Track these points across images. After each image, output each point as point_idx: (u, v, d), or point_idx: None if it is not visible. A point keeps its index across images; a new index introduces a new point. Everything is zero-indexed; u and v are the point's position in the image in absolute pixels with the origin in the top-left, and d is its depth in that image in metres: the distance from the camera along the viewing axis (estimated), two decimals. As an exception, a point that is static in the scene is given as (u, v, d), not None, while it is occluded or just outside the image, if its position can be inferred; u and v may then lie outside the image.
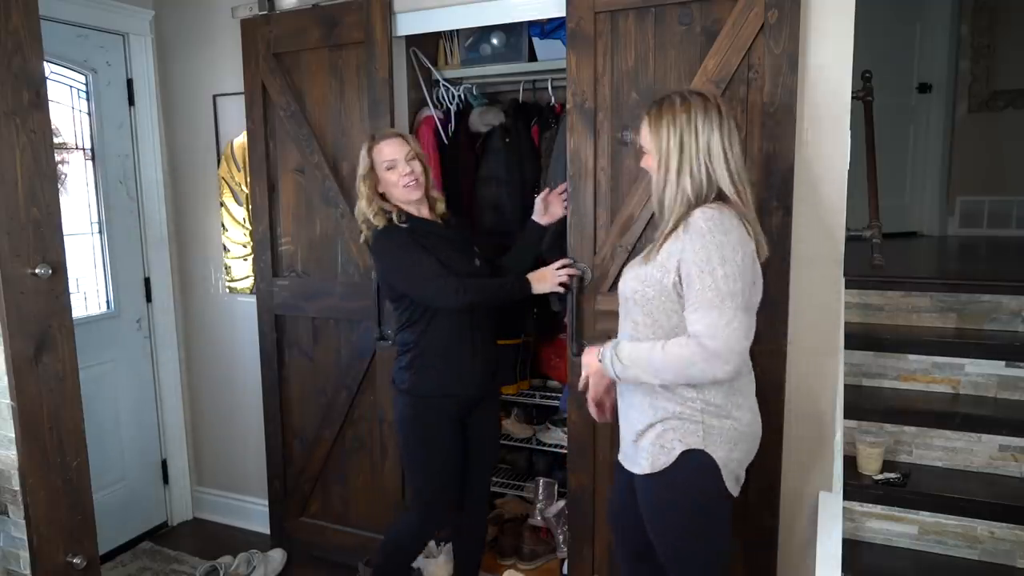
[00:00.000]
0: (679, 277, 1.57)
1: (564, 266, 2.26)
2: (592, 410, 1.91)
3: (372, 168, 2.20)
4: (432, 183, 2.31)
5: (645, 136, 1.68)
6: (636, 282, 1.66)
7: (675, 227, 1.59)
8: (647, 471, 1.67)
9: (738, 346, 1.52)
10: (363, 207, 2.20)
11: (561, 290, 2.26)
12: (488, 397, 2.38)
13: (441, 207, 2.32)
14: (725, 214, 1.56)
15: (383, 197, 2.22)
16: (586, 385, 1.84)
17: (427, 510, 2.30)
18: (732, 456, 1.66)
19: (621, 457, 1.81)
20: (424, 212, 2.26)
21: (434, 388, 2.22)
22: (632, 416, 1.73)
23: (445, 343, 2.21)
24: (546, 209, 2.36)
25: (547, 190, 2.39)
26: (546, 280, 2.23)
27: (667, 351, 1.56)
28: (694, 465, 1.63)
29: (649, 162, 1.68)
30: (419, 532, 2.33)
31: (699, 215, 1.55)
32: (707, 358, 1.51)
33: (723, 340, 1.50)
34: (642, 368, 1.61)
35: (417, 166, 2.20)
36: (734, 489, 1.69)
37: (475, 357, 2.25)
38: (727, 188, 1.60)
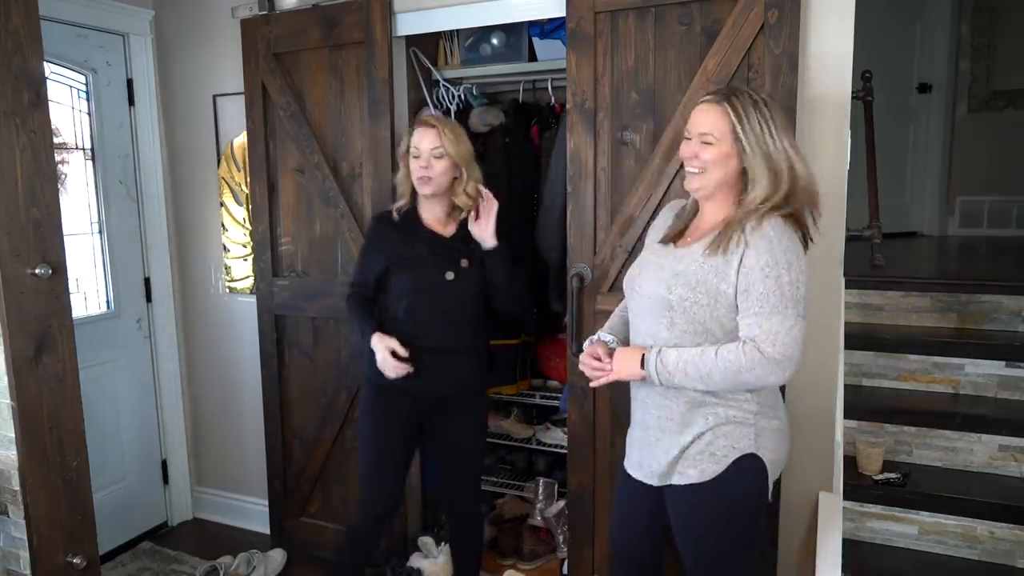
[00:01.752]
0: (738, 282, 1.53)
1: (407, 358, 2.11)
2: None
3: (407, 151, 2.19)
4: (465, 186, 2.19)
5: (721, 125, 1.55)
6: (685, 289, 1.57)
7: (736, 233, 1.53)
8: (694, 481, 1.62)
9: (796, 353, 1.49)
10: (400, 178, 2.25)
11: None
12: (461, 401, 2.27)
13: (462, 215, 2.21)
14: (789, 226, 1.54)
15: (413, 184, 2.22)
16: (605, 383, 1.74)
17: (362, 513, 2.27)
18: (778, 457, 1.66)
19: (643, 476, 1.73)
20: (436, 215, 2.21)
21: (380, 378, 2.16)
22: (673, 429, 1.65)
23: (406, 336, 2.14)
24: (482, 231, 2.18)
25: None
26: (385, 364, 2.11)
27: (720, 357, 1.51)
28: (744, 470, 1.61)
29: (716, 154, 1.56)
30: (350, 531, 2.31)
31: (768, 225, 1.51)
32: (765, 364, 1.49)
33: (782, 346, 1.47)
34: (690, 375, 1.55)
35: (440, 164, 2.13)
36: (770, 493, 1.67)
37: (427, 360, 2.14)
38: (805, 195, 1.55)
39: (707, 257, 1.56)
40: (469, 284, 2.19)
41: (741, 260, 1.51)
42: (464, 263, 2.19)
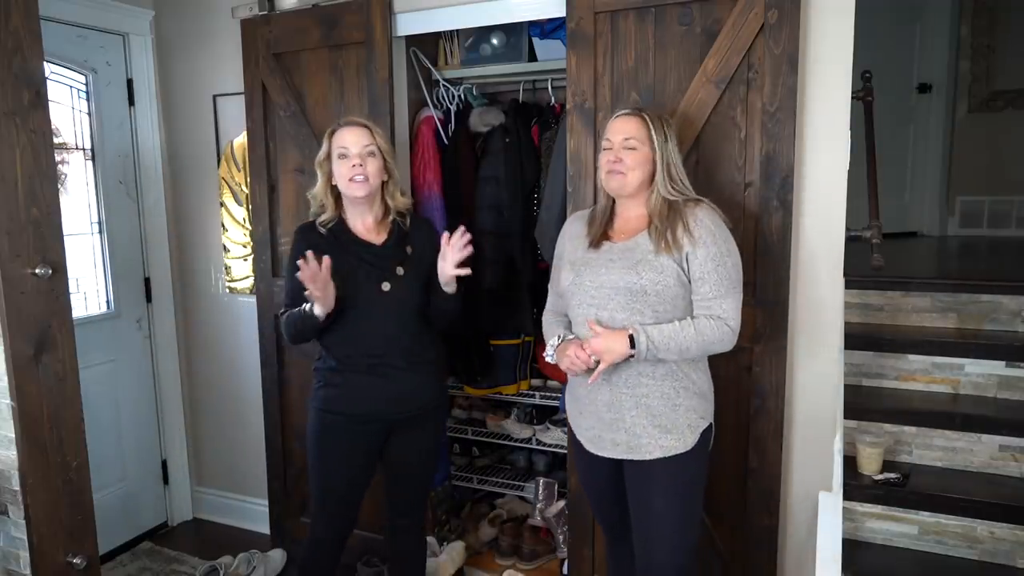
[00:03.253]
0: (687, 268, 1.74)
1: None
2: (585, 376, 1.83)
3: (328, 155, 2.04)
4: (396, 190, 2.11)
5: (639, 131, 1.79)
6: (654, 273, 1.74)
7: (674, 221, 1.76)
8: (681, 451, 1.78)
9: (739, 323, 1.78)
10: (316, 191, 2.10)
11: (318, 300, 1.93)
12: (419, 417, 2.15)
13: (391, 219, 2.12)
14: (717, 213, 1.80)
15: (336, 191, 2.07)
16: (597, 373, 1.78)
17: (317, 533, 2.20)
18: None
19: (618, 454, 1.83)
20: (366, 222, 2.08)
21: (325, 404, 2.10)
22: (652, 406, 1.78)
23: (337, 360, 2.07)
24: (444, 269, 2.01)
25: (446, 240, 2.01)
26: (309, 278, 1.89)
27: (699, 331, 1.72)
28: (708, 437, 1.86)
29: (638, 157, 1.79)
30: (308, 556, 2.23)
31: (702, 214, 1.76)
32: (730, 336, 1.76)
33: (736, 321, 1.76)
34: (671, 349, 1.72)
35: (374, 163, 2.01)
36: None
37: (375, 378, 2.06)
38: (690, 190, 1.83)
39: (660, 246, 1.75)
40: (408, 293, 2.06)
41: (691, 252, 1.74)
42: (400, 271, 2.07)
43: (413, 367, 2.11)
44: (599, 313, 1.79)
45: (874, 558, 2.21)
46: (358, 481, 2.18)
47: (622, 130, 1.80)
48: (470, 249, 2.00)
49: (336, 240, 2.06)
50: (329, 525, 2.20)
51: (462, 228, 2.01)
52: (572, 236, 1.95)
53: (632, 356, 1.72)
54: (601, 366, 1.74)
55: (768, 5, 1.98)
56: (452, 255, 1.99)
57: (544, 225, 2.61)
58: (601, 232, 1.87)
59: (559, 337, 1.88)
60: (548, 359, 1.90)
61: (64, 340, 2.09)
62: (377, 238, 2.10)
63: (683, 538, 1.83)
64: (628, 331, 1.71)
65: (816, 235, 2.07)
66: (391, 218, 2.12)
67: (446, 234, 2.02)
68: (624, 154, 1.78)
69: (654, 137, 1.77)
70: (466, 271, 2.01)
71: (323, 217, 2.08)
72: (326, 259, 1.89)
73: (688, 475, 1.82)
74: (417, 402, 2.14)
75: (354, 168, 1.99)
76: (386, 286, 2.04)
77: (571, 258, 1.90)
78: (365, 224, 2.09)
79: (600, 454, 1.87)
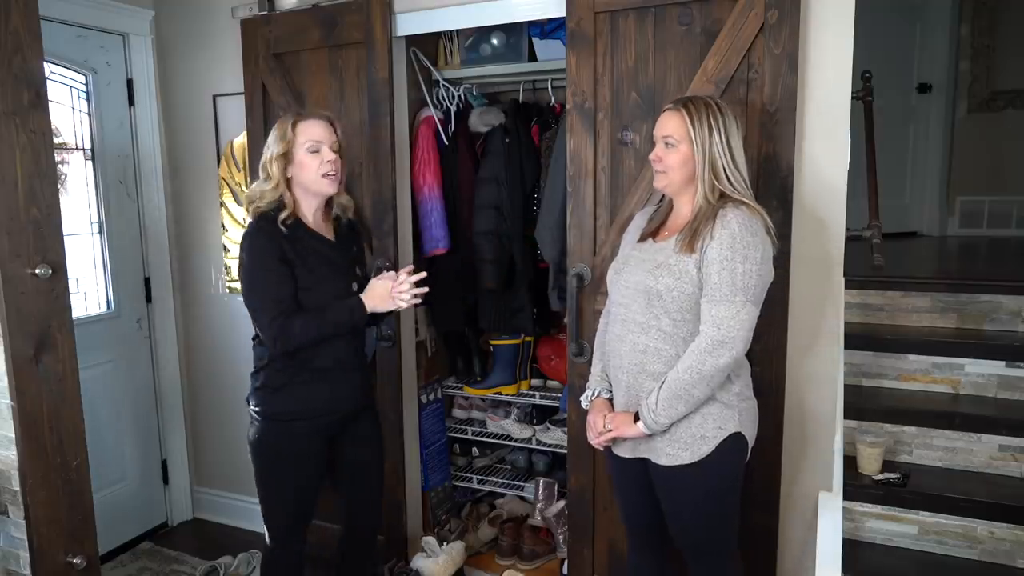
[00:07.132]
0: (703, 271, 1.66)
1: (410, 283, 1.97)
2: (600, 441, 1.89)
3: (291, 148, 1.93)
4: (343, 186, 2.05)
5: (679, 129, 1.70)
6: (671, 279, 1.68)
7: (705, 222, 1.66)
8: (686, 462, 1.72)
9: (741, 334, 1.63)
10: (263, 189, 1.95)
11: (403, 306, 1.98)
12: (364, 411, 2.18)
13: (346, 213, 2.12)
14: (755, 219, 1.66)
15: (288, 186, 1.97)
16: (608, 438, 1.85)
17: (282, 541, 2.13)
18: (754, 432, 1.81)
19: (644, 451, 1.80)
20: (318, 219, 2.03)
21: (294, 410, 2.00)
22: None
23: (308, 358, 1.98)
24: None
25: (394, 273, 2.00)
26: (383, 299, 1.95)
27: (682, 369, 1.65)
28: (732, 448, 1.74)
29: (677, 156, 1.72)
30: (281, 565, 2.17)
31: (733, 216, 1.64)
32: (710, 348, 1.62)
33: (726, 329, 1.62)
34: (672, 402, 1.67)
35: (338, 160, 1.97)
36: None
37: (343, 372, 2.05)
38: (743, 186, 1.72)
39: (681, 250, 1.69)
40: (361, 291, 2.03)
41: (705, 251, 1.65)
42: (357, 271, 2.11)
43: (361, 366, 2.17)
44: (628, 314, 1.77)
45: (874, 558, 2.21)
46: (320, 484, 2.16)
47: (663, 127, 1.74)
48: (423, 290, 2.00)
49: (296, 236, 1.96)
50: (300, 539, 2.16)
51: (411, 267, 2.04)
52: (632, 230, 1.92)
53: (647, 431, 1.73)
54: (612, 434, 1.82)
55: (768, 5, 1.98)
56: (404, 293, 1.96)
57: (544, 225, 2.61)
58: (654, 228, 1.84)
59: (594, 392, 1.92)
60: (583, 405, 1.96)
61: (64, 340, 2.09)
62: (328, 234, 2.06)
63: (709, 542, 1.83)
64: (632, 412, 1.76)
65: (816, 235, 2.07)
66: (333, 214, 2.10)
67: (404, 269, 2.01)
68: (664, 153, 1.73)
69: (693, 134, 1.67)
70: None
71: (284, 214, 1.94)
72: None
73: (694, 486, 1.75)
74: (363, 399, 2.18)
75: (329, 163, 1.96)
76: (355, 285, 2.05)
77: (622, 253, 1.89)
78: (316, 219, 2.03)
79: (620, 454, 1.86)
